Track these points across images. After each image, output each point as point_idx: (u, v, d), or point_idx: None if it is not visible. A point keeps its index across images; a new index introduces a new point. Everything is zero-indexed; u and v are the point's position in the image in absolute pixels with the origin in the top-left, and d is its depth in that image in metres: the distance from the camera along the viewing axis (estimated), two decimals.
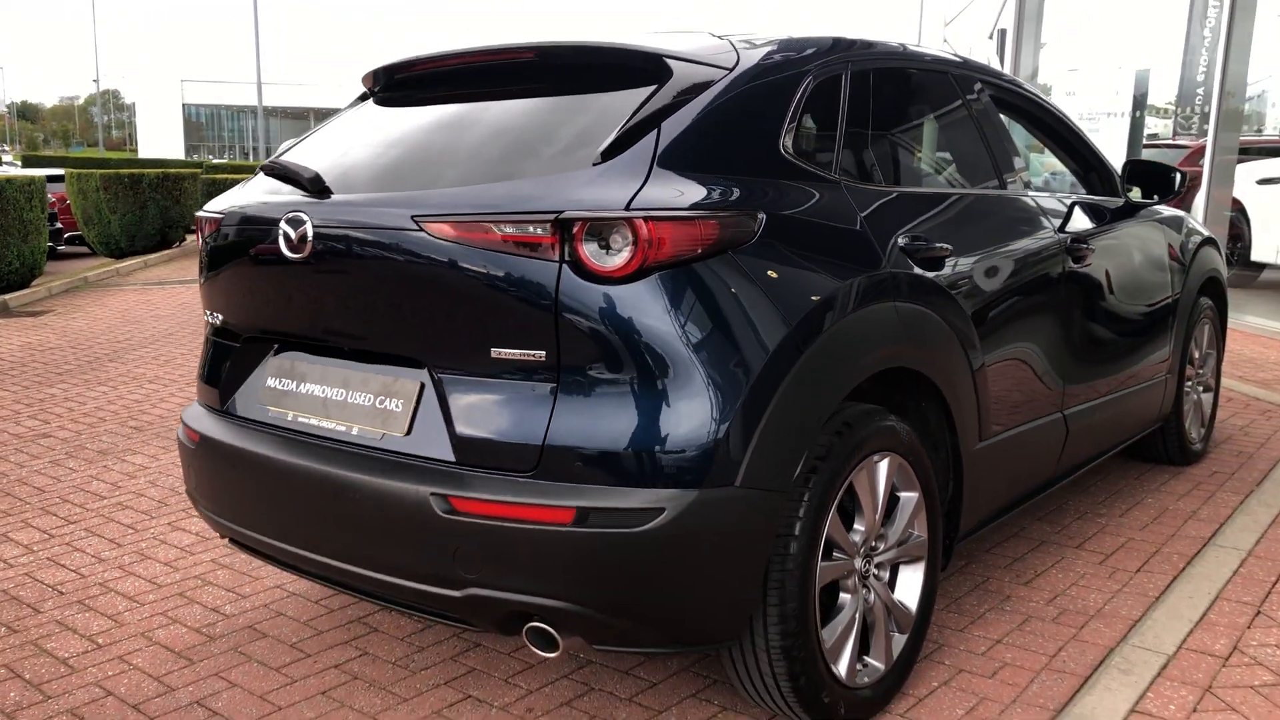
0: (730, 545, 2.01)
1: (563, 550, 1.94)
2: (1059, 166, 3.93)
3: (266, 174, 2.55)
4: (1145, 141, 11.92)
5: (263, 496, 2.36)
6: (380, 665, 2.68)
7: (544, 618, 2.00)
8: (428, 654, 2.73)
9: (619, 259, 1.95)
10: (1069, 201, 3.38)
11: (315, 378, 2.36)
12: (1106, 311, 3.44)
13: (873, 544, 2.36)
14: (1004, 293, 2.83)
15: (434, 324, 2.13)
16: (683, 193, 2.01)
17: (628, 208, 1.94)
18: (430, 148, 2.41)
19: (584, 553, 1.93)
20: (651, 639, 2.06)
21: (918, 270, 2.46)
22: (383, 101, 2.73)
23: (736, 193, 2.10)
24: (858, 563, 2.31)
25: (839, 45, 2.60)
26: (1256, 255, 9.66)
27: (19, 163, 33.79)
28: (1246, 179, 9.51)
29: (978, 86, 3.14)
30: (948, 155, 3.16)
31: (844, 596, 2.30)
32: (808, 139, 2.43)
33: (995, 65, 11.16)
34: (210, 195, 16.70)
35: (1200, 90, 15.46)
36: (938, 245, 2.54)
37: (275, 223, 2.31)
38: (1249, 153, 10.36)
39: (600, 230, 1.95)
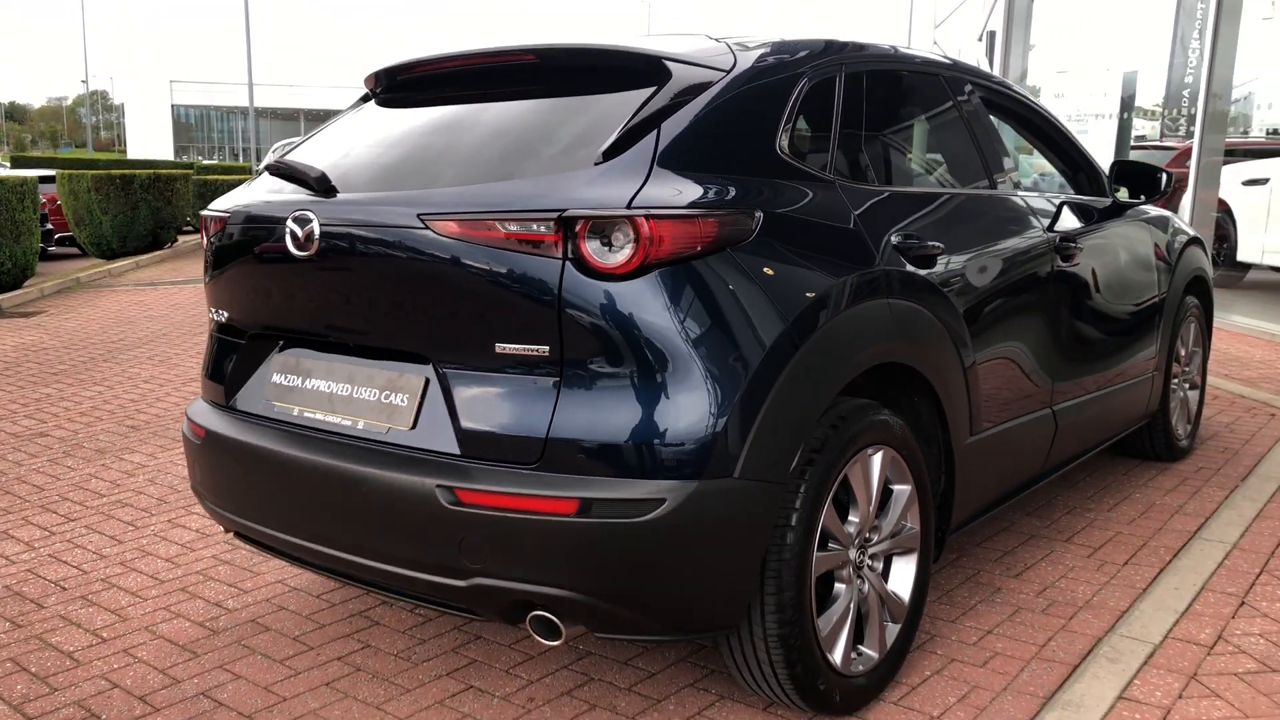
0: (729, 535, 2.06)
1: (566, 540, 1.99)
2: (1048, 167, 4.00)
3: (271, 174, 2.59)
4: (1133, 143, 12.03)
5: (269, 490, 2.41)
6: (383, 657, 2.72)
7: (547, 606, 2.05)
8: (429, 646, 2.78)
9: (621, 256, 2.00)
10: (1058, 201, 3.44)
11: (321, 373, 2.41)
12: (1094, 309, 3.51)
13: (867, 535, 2.41)
14: (994, 290, 2.89)
15: (439, 320, 2.17)
16: (682, 192, 2.07)
17: (629, 206, 1.99)
18: (433, 148, 2.45)
19: (587, 542, 1.98)
20: (652, 627, 2.11)
21: (910, 268, 2.52)
22: (384, 102, 2.78)
23: (734, 192, 2.16)
24: (852, 553, 2.37)
25: (832, 48, 2.65)
26: (1242, 256, 9.76)
27: (7, 164, 33.67)
28: (1232, 180, 9.62)
29: (968, 88, 3.20)
30: (939, 156, 3.22)
31: (839, 586, 2.35)
32: (803, 139, 2.49)
33: (985, 67, 11.24)
34: (202, 196, 16.73)
35: (1187, 92, 15.58)
36: (930, 244, 2.59)
37: (282, 221, 2.35)
38: (1235, 154, 10.46)
39: (602, 228, 2.00)
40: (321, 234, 2.28)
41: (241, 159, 60.66)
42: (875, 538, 2.44)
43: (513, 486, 2.02)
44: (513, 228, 2.04)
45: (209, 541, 3.57)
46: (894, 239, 2.50)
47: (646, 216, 1.99)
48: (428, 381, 2.21)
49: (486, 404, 2.11)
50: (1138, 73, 10.80)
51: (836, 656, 2.31)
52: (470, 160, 2.32)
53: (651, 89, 2.27)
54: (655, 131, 2.15)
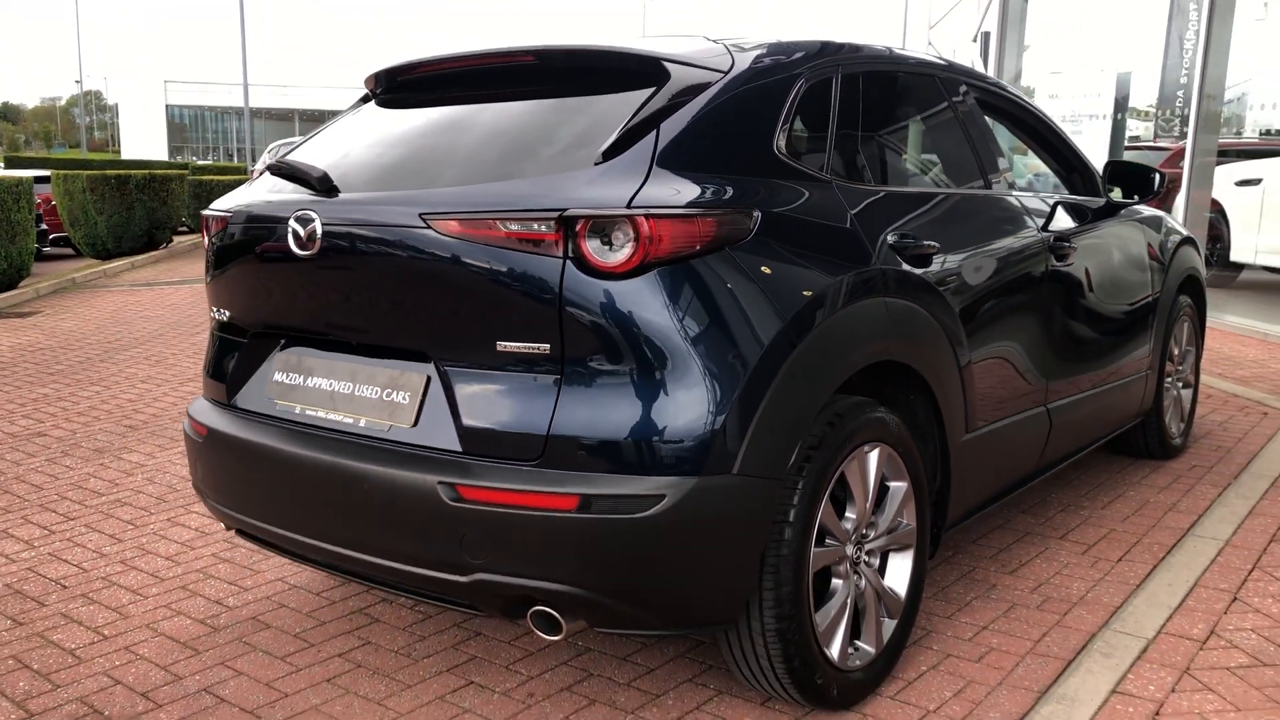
0: (728, 531, 2.09)
1: (567, 536, 2.01)
2: (1042, 167, 4.03)
3: (272, 173, 2.61)
4: (1127, 144, 12.08)
5: (272, 487, 2.42)
6: (383, 654, 2.74)
7: (548, 601, 2.07)
8: (429, 643, 2.80)
9: (621, 255, 2.02)
10: (1052, 201, 3.47)
11: (323, 372, 2.43)
12: (1088, 309, 3.54)
13: (864, 531, 2.43)
14: (989, 289, 2.91)
15: (440, 318, 2.20)
16: (681, 191, 2.09)
17: (629, 205, 2.02)
18: (434, 148, 2.47)
19: (588, 538, 2.01)
20: (652, 621, 2.13)
21: (906, 267, 2.54)
22: (385, 103, 2.80)
23: (733, 192, 2.18)
24: (849, 549, 2.39)
25: (828, 49, 2.68)
26: (1235, 256, 9.81)
27: (1, 164, 33.58)
28: (1225, 181, 9.66)
29: (963, 89, 3.23)
30: (934, 156, 3.25)
31: (836, 582, 2.38)
32: (800, 139, 2.51)
33: (979, 68, 11.29)
34: (197, 197, 16.71)
35: (1180, 93, 15.64)
36: (925, 243, 2.62)
37: (284, 221, 2.37)
38: (1228, 155, 10.51)
39: (603, 227, 2.02)
40: (323, 233, 2.30)
41: (236, 159, 60.59)
42: (872, 534, 2.46)
43: (514, 483, 2.04)
44: (514, 227, 2.06)
45: (209, 540, 3.58)
46: (890, 238, 2.52)
47: (646, 216, 2.01)
48: (429, 379, 2.23)
49: (488, 401, 2.13)
50: (1131, 74, 10.86)
51: (834, 651, 2.33)
52: (471, 160, 2.34)
53: (650, 90, 2.30)
54: (654, 132, 2.17)
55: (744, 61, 2.44)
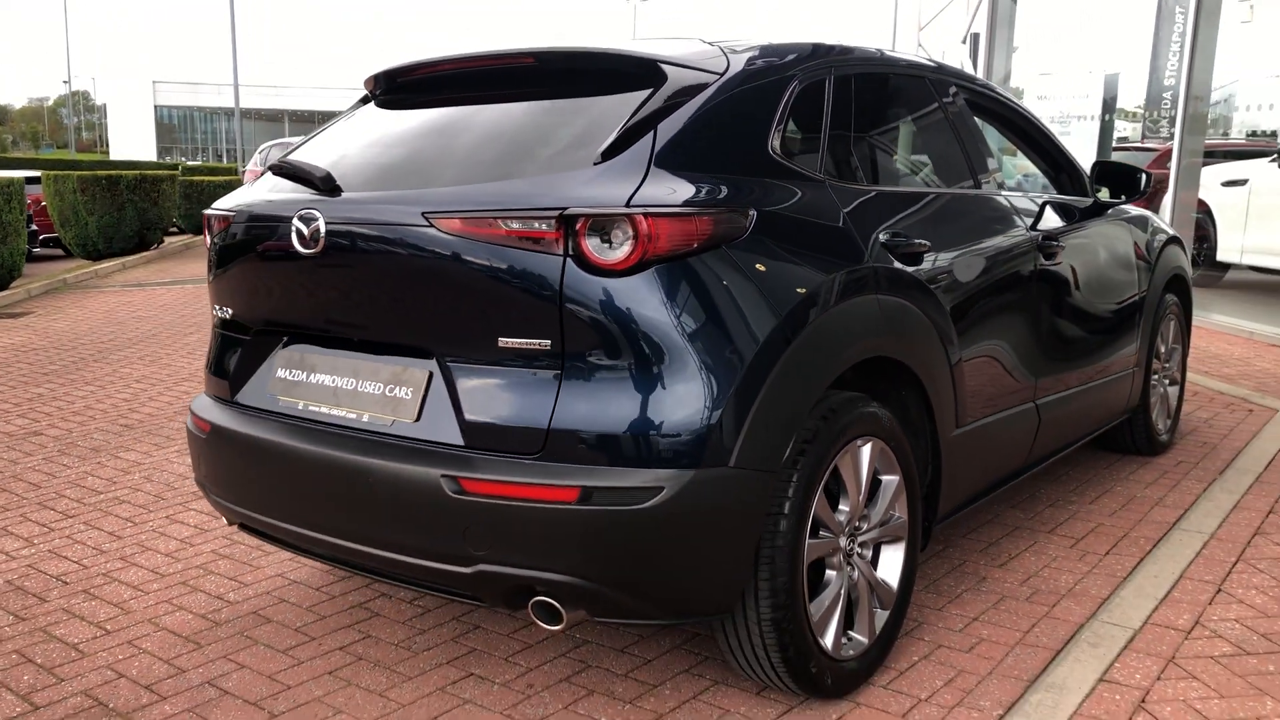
0: (724, 522, 2.13)
1: (568, 527, 2.05)
2: (1031, 168, 4.09)
3: (275, 173, 2.65)
4: (1115, 144, 12.18)
5: (276, 482, 2.46)
6: (384, 647, 2.78)
7: (549, 592, 2.11)
8: (429, 636, 2.84)
9: (620, 253, 2.06)
10: (1040, 201, 3.53)
11: (325, 368, 2.46)
12: (1076, 307, 3.60)
13: (856, 524, 2.48)
14: (979, 287, 2.97)
15: (442, 315, 2.24)
16: (679, 191, 2.14)
17: (628, 204, 2.06)
18: (436, 148, 2.51)
19: (588, 529, 2.05)
20: (651, 611, 2.18)
21: (898, 265, 2.59)
22: (385, 104, 2.84)
23: (729, 191, 2.23)
24: (843, 541, 2.44)
25: (820, 51, 2.73)
26: (1222, 255, 9.91)
27: None
28: (1212, 181, 9.76)
29: (953, 90, 3.29)
30: (925, 156, 3.30)
31: (830, 573, 2.43)
32: (794, 140, 2.56)
33: (969, 69, 11.37)
34: (188, 197, 16.69)
35: (1168, 95, 15.77)
36: (916, 241, 2.67)
37: (287, 220, 2.41)
38: (1215, 156, 10.61)
39: (602, 225, 2.07)
40: (327, 232, 2.34)
41: (226, 160, 60.40)
42: (865, 526, 2.51)
43: (516, 476, 2.08)
44: (515, 225, 2.11)
45: (208, 537, 3.61)
46: (882, 237, 2.57)
47: (645, 214, 2.06)
48: (431, 375, 2.27)
49: (489, 396, 2.18)
50: (1119, 75, 10.96)
51: (828, 641, 2.38)
52: (472, 160, 2.38)
53: (648, 91, 2.34)
54: (652, 132, 2.22)
55: (739, 63, 2.49)
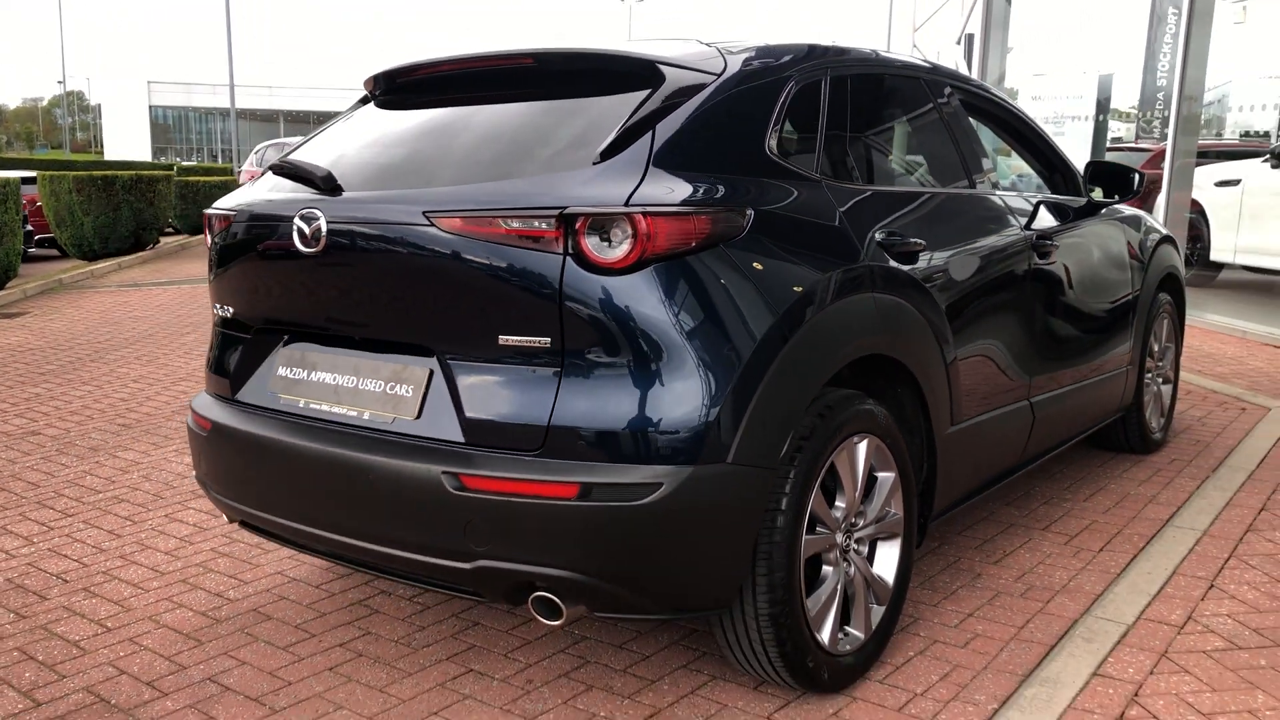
0: (722, 518, 2.16)
1: (568, 523, 2.07)
2: (1026, 168, 4.12)
3: (275, 173, 2.66)
4: (1109, 145, 12.23)
5: (277, 479, 2.48)
6: (383, 643, 2.80)
7: (549, 587, 2.13)
8: (429, 632, 2.86)
9: (619, 251, 2.09)
10: (1035, 201, 3.55)
11: (326, 366, 2.48)
12: (1070, 306, 3.62)
13: (853, 520, 2.51)
14: (974, 286, 2.99)
15: (443, 313, 2.26)
16: (677, 190, 2.16)
17: (627, 203, 2.09)
18: (436, 148, 2.53)
19: (587, 525, 2.07)
20: (650, 606, 2.20)
21: (893, 264, 2.62)
22: (384, 105, 2.85)
23: (727, 190, 2.25)
24: (839, 537, 2.46)
25: (815, 52, 2.75)
26: (1215, 255, 9.95)
27: None
28: (1205, 181, 9.80)
29: (947, 90, 3.31)
30: (920, 156, 3.33)
31: (826, 569, 2.45)
32: (790, 140, 2.58)
33: (963, 70, 11.42)
34: (184, 198, 16.68)
35: (1161, 95, 15.84)
36: (912, 240, 2.70)
37: (288, 219, 2.43)
38: (1208, 156, 10.66)
39: (602, 224, 2.09)
40: (328, 231, 2.36)
41: (221, 160, 60.33)
42: (861, 522, 2.54)
43: (516, 472, 2.10)
44: (515, 224, 2.13)
45: (207, 535, 3.63)
46: (878, 236, 2.60)
47: (643, 214, 2.08)
48: (432, 373, 2.29)
49: (490, 394, 2.20)
50: (1113, 76, 11.03)
51: (824, 636, 2.41)
52: (472, 160, 2.40)
53: (646, 92, 2.37)
54: (650, 133, 2.24)
55: (736, 64, 2.51)
